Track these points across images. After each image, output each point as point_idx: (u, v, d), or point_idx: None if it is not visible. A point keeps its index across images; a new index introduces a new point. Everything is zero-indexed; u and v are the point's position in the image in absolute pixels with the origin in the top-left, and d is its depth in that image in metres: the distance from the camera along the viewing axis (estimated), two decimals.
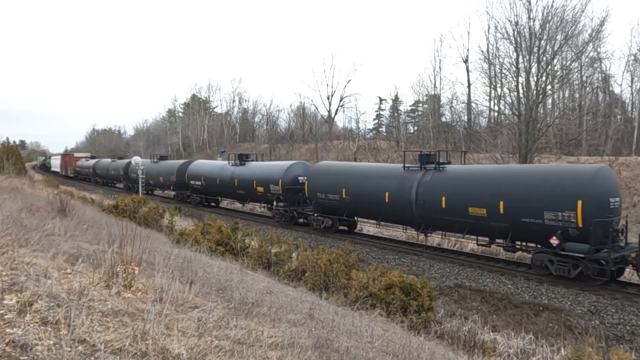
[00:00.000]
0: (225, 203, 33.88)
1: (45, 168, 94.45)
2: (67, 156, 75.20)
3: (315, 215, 21.27)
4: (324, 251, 13.46)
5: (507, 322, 11.84)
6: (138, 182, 37.46)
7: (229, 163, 29.46)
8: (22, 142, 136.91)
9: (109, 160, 56.01)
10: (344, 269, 12.32)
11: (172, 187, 36.02)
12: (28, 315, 3.48)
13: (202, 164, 33.64)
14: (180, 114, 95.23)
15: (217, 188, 29.90)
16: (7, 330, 3.20)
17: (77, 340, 3.24)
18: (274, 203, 24.27)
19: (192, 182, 32.50)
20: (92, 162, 58.95)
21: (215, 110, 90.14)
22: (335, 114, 67.98)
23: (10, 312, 3.50)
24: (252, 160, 29.49)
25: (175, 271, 6.00)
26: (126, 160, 48.22)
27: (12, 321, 3.34)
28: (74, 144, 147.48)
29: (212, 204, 33.10)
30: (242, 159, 28.96)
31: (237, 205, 31.83)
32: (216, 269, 9.18)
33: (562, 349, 9.48)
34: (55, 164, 79.87)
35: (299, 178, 23.25)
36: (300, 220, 23.22)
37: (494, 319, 11.96)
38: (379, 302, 10.51)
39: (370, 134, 69.09)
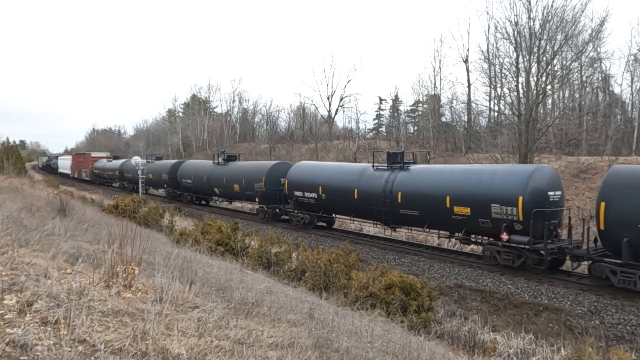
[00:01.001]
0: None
1: (49, 169, 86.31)
2: (80, 156, 66.13)
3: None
4: (324, 251, 13.46)
5: (507, 322, 11.84)
6: (138, 182, 37.91)
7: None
8: (22, 142, 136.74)
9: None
10: (344, 269, 12.32)
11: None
12: (28, 315, 3.48)
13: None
14: (180, 114, 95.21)
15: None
16: (7, 330, 3.20)
17: (77, 340, 3.24)
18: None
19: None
20: (117, 162, 50.20)
21: (215, 110, 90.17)
22: (335, 114, 68.03)
23: (10, 312, 3.50)
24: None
25: (175, 271, 6.00)
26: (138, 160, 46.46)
27: (12, 321, 3.34)
28: (74, 144, 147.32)
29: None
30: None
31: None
32: (216, 269, 9.18)
33: (562, 349, 9.48)
34: (65, 165, 70.50)
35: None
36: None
37: (494, 319, 11.96)
38: (379, 302, 10.51)
39: (370, 134, 69.05)
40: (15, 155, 39.76)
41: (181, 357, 3.31)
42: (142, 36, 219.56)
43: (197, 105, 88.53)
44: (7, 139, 49.04)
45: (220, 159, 30.30)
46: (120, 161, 50.46)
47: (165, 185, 37.40)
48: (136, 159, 40.36)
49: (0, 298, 3.71)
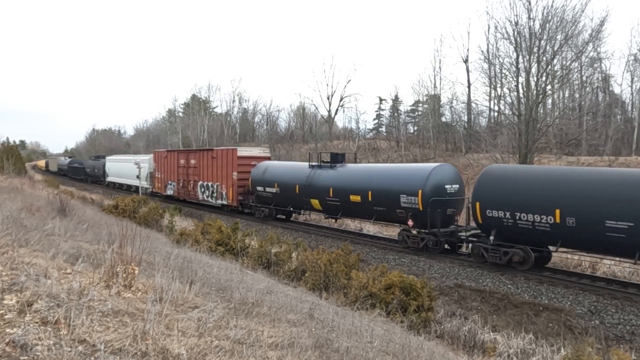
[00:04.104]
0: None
1: (74, 174, 61.17)
2: (205, 153, 30.10)
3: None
4: (324, 251, 13.48)
5: (507, 322, 11.84)
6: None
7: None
8: (22, 142, 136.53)
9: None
10: (344, 269, 12.33)
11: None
12: (28, 315, 3.48)
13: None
14: (180, 114, 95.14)
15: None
16: (7, 330, 3.19)
17: (77, 340, 3.24)
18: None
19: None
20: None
21: (215, 110, 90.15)
22: (335, 114, 67.98)
23: (10, 312, 3.50)
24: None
25: (175, 271, 6.00)
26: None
27: (12, 321, 3.34)
28: (74, 144, 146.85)
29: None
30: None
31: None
32: (216, 269, 9.19)
33: (562, 349, 9.48)
34: (144, 173, 38.19)
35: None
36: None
37: (494, 319, 11.96)
38: (379, 302, 10.52)
39: (370, 134, 69.05)
40: (15, 155, 39.77)
41: (181, 357, 3.31)
42: (142, 36, 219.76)
43: (197, 105, 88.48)
44: (7, 139, 49.05)
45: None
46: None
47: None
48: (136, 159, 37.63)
49: (0, 298, 3.71)
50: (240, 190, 26.43)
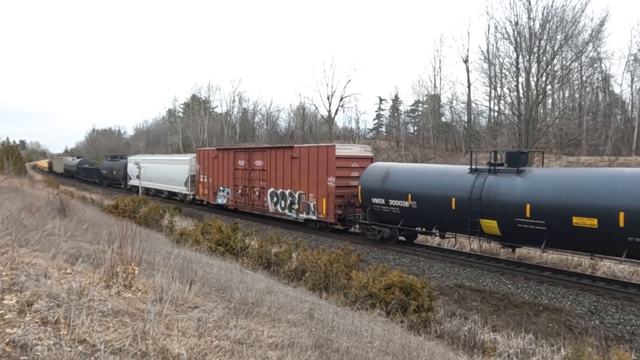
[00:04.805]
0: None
1: (86, 178, 54.27)
2: (287, 150, 22.84)
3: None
4: (324, 251, 13.49)
5: (507, 322, 11.84)
6: None
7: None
8: (22, 142, 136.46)
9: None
10: (344, 269, 12.33)
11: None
12: (28, 315, 3.48)
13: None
14: (180, 114, 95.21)
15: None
16: (7, 330, 3.20)
17: (77, 340, 3.24)
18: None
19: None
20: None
21: (215, 110, 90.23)
22: (335, 114, 67.88)
23: (10, 312, 3.50)
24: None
25: (175, 271, 6.00)
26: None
27: (12, 321, 3.34)
28: (74, 144, 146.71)
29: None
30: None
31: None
32: (216, 269, 9.19)
33: (562, 349, 9.48)
34: (182, 177, 32.78)
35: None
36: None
37: (494, 319, 11.96)
38: (379, 302, 10.52)
39: (371, 134, 69.11)
40: (15, 155, 39.78)
41: (181, 357, 3.31)
42: (142, 36, 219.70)
43: (197, 105, 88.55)
44: (7, 139, 49.06)
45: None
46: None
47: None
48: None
49: (0, 298, 3.72)
50: (339, 201, 19.96)
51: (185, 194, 32.51)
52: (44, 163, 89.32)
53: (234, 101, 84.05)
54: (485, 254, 16.97)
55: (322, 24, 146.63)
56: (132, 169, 40.89)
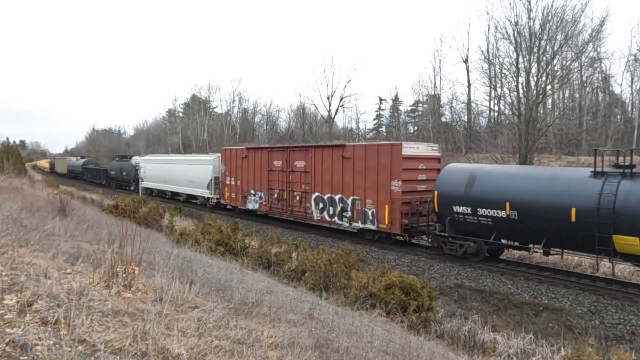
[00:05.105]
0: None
1: (93, 179, 51.45)
2: (337, 149, 20.13)
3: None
4: (324, 251, 13.49)
5: (507, 322, 11.84)
6: None
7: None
8: (22, 142, 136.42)
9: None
10: (344, 269, 12.33)
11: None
12: (28, 315, 3.48)
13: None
14: (180, 114, 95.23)
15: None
16: (7, 330, 3.20)
17: (77, 340, 3.24)
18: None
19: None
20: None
21: (215, 110, 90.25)
22: (335, 114, 67.84)
23: (10, 312, 3.50)
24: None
25: (175, 271, 6.00)
26: None
27: (12, 321, 3.34)
28: (74, 144, 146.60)
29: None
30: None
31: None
32: (216, 269, 9.19)
33: (562, 349, 9.48)
34: (205, 178, 29.76)
35: None
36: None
37: (494, 319, 11.96)
38: (379, 302, 10.52)
39: (370, 134, 69.09)
40: (15, 155, 39.78)
41: (181, 357, 3.31)
42: (142, 36, 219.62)
43: (197, 105, 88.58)
44: (7, 139, 49.05)
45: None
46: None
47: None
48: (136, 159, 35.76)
49: (0, 298, 3.72)
50: (405, 209, 17.25)
51: (208, 198, 29.32)
52: (45, 163, 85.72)
53: (234, 101, 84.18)
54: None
55: (322, 24, 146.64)
56: (144, 169, 38.01)
